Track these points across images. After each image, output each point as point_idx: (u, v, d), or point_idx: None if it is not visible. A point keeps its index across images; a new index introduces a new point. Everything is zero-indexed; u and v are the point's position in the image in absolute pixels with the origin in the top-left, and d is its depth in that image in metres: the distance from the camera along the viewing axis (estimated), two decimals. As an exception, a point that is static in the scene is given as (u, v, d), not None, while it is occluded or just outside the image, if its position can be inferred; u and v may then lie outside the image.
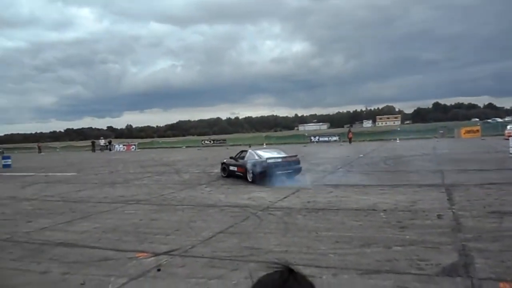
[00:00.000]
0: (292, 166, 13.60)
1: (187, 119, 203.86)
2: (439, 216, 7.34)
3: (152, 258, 5.62)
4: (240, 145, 54.80)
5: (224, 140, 58.95)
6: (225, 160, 16.25)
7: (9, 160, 27.39)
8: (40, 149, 61.48)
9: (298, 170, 13.85)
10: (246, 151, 15.32)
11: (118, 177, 17.27)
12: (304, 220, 7.67)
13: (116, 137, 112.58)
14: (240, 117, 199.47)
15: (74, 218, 8.77)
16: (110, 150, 53.03)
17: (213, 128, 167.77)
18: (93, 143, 55.56)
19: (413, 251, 5.37)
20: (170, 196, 11.29)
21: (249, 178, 13.69)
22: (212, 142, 58.36)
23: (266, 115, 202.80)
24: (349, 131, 45.85)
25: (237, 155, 15.66)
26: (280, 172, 13.00)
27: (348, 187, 11.40)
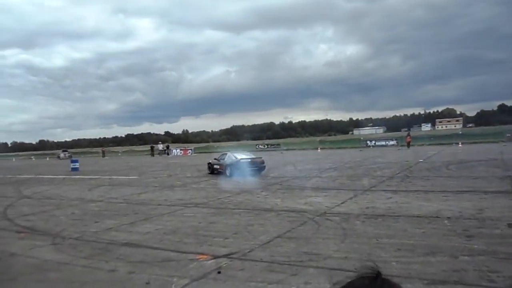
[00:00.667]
0: (258, 165, 18.36)
1: (241, 123, 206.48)
2: (509, 225, 6.88)
3: (212, 260, 5.73)
4: (294, 149, 54.76)
5: (278, 144, 59.23)
6: (210, 161, 21.25)
7: (77, 164, 29.13)
8: (104, 154, 65.02)
9: (263, 168, 18.73)
10: (226, 153, 19.93)
11: (176, 181, 17.83)
12: (363, 226, 7.48)
13: (173, 142, 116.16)
14: (294, 122, 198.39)
15: (137, 219, 9.15)
16: (168, 154, 54.85)
17: (267, 132, 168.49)
18: (152, 147, 57.86)
19: (483, 262, 5.06)
20: (227, 200, 11.47)
21: (227, 174, 18.26)
22: (266, 146, 58.74)
23: (320, 119, 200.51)
24: (408, 134, 44.31)
25: (219, 156, 20.30)
26: (249, 169, 17.50)
27: (409, 193, 11.00)
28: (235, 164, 17.99)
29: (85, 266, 5.76)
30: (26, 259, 6.36)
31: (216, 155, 21.42)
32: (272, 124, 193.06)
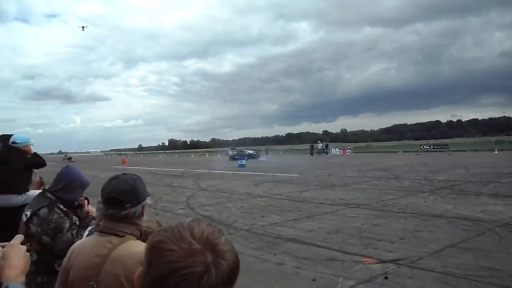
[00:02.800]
0: (254, 156, 45.35)
1: (402, 122, 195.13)
2: None
3: (378, 264, 5.55)
4: (464, 150, 49.23)
5: (446, 145, 53.88)
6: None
7: (244, 161, 31.63)
8: (267, 151, 69.06)
9: (258, 156, 46.18)
10: (234, 148, 55.89)
11: (336, 180, 17.81)
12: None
13: (331, 141, 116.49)
14: (463, 120, 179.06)
15: (301, 216, 9.44)
16: (326, 153, 55.27)
17: (431, 131, 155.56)
18: (311, 146, 59.05)
19: None
20: (390, 202, 10.96)
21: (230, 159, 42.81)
22: (431, 147, 54.18)
23: (495, 116, 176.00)
24: None
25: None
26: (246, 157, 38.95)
27: None
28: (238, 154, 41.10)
29: (255, 257, 6.20)
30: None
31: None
32: (437, 122, 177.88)
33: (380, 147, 67.88)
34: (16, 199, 3.46)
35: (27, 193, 3.51)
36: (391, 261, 5.65)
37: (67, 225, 2.44)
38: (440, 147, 53.64)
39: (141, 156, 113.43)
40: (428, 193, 12.48)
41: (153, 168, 35.43)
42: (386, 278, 5.00)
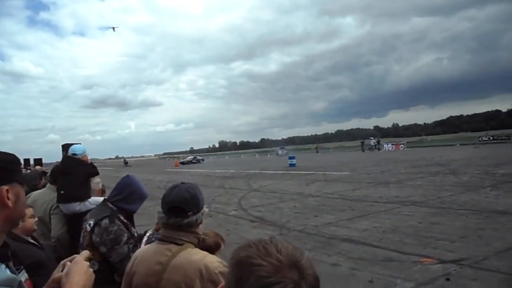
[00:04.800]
0: (199, 161, 68.26)
1: (458, 114, 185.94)
2: None
3: (438, 265, 5.34)
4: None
5: (508, 136, 50.42)
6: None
7: (294, 160, 31.52)
8: (317, 150, 68.54)
9: (202, 161, 69.45)
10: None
11: (390, 177, 17.31)
12: None
13: (382, 137, 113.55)
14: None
15: (354, 216, 9.27)
16: (378, 149, 53.87)
17: (490, 122, 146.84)
18: (362, 143, 57.80)
19: None
20: (449, 199, 10.49)
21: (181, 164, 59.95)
22: (491, 138, 51.06)
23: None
24: None
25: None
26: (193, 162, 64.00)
27: None
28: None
29: (310, 258, 6.17)
30: (260, 246, 7.22)
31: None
32: (497, 112, 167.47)
33: (435, 140, 65.02)
34: (78, 207, 3.68)
35: (89, 200, 3.73)
36: (452, 262, 5.42)
37: (125, 238, 2.53)
38: (501, 138, 50.38)
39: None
40: (490, 188, 11.80)
41: (204, 170, 36.23)
42: (447, 279, 4.81)
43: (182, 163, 64.78)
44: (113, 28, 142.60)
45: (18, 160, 1.25)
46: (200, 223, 1.74)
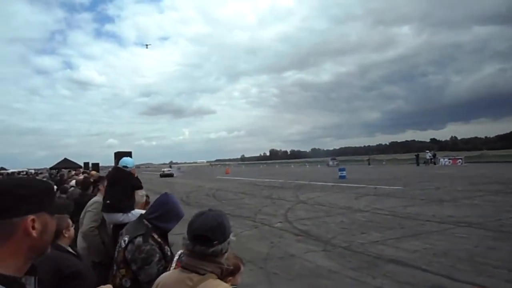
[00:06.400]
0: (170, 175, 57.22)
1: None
2: None
3: (493, 295, 4.97)
4: None
5: None
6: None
7: (344, 172, 30.86)
8: (369, 162, 66.83)
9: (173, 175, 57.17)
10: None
11: (445, 194, 16.44)
12: None
13: (439, 150, 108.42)
14: None
15: (404, 235, 8.88)
16: (434, 163, 51.52)
17: None
18: (417, 156, 55.56)
19: None
20: (510, 222, 9.77)
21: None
22: None
23: None
24: None
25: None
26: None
27: None
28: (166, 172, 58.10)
29: (353, 278, 5.97)
30: (302, 261, 7.11)
31: None
32: None
33: (497, 156, 60.96)
34: (122, 218, 3.81)
35: (132, 212, 3.84)
36: (509, 293, 5.03)
37: (156, 258, 2.54)
38: None
39: (243, 166, 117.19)
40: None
41: (253, 179, 36.39)
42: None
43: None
44: (146, 45, 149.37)
45: (52, 188, 1.25)
46: (226, 252, 1.70)
